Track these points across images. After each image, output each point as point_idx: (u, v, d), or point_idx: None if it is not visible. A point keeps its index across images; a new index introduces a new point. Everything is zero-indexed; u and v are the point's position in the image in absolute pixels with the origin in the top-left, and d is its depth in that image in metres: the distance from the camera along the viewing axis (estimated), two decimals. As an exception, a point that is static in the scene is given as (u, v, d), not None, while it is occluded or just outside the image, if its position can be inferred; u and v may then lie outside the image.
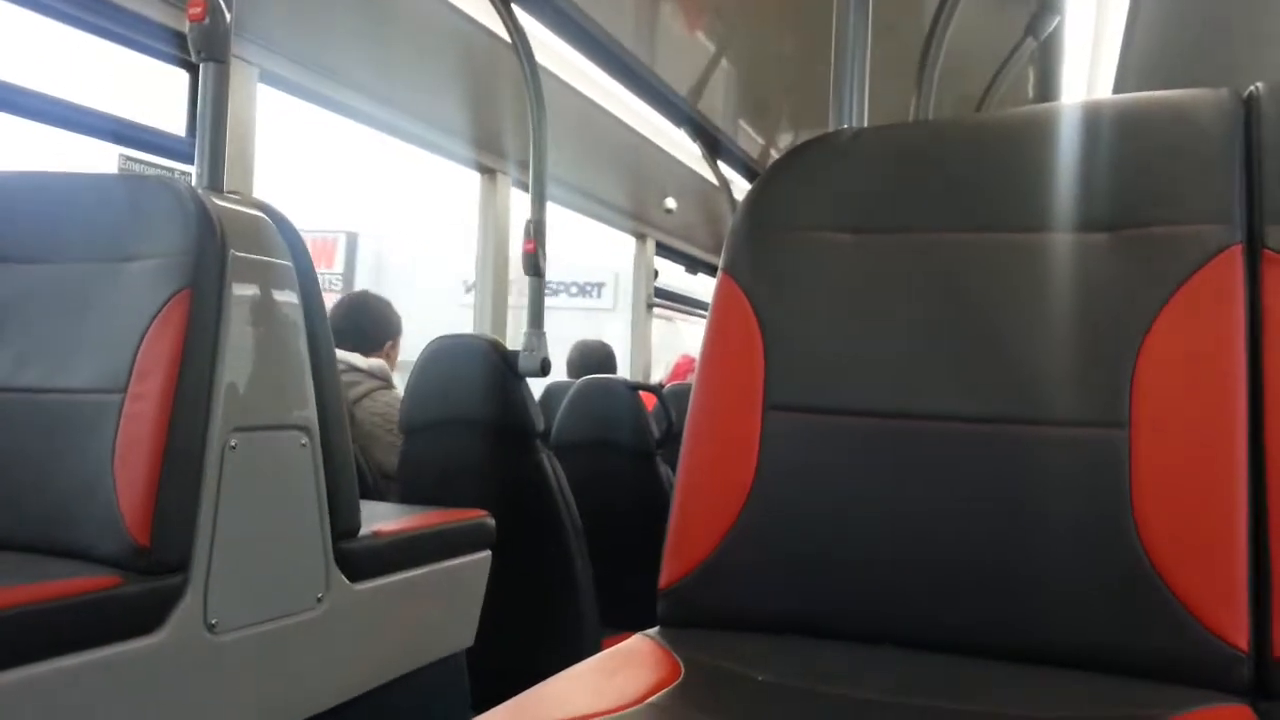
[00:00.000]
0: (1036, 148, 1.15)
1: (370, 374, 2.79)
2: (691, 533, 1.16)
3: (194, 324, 1.36)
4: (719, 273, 1.24)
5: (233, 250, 1.42)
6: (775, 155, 4.96)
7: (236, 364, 1.42)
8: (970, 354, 1.11)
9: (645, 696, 0.88)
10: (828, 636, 1.09)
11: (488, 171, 3.70)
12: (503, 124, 3.48)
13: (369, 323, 2.93)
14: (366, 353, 2.85)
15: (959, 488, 1.07)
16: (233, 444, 1.39)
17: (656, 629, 1.12)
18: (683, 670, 0.97)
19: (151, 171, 2.30)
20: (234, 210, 1.49)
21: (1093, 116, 1.15)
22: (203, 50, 1.62)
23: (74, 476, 1.34)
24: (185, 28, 1.60)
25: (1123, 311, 1.05)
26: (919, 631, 1.07)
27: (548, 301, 2.71)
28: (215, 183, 1.60)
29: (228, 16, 1.59)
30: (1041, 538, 1.04)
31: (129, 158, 2.26)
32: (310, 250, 1.63)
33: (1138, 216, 1.07)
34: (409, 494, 2.50)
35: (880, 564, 1.09)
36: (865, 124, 1.50)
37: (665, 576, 1.16)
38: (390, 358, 2.96)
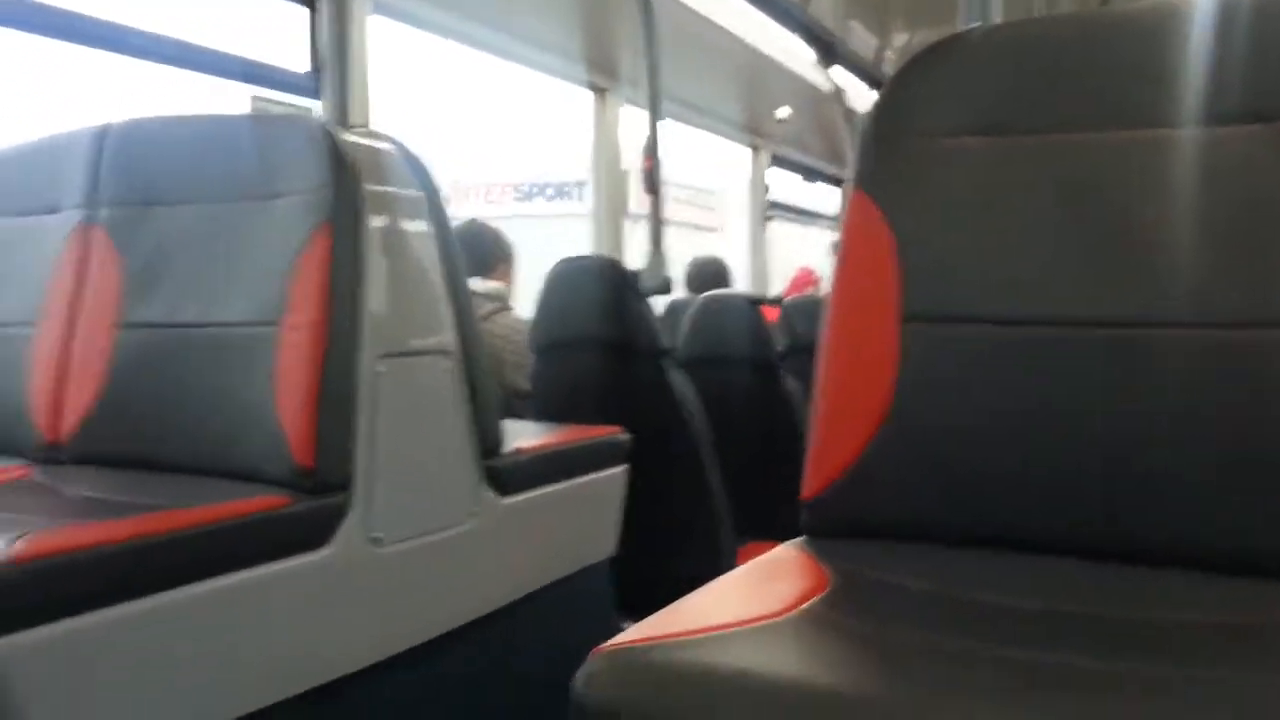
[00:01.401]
0: (1180, 39, 1.09)
1: (489, 297, 2.85)
2: (833, 443, 1.16)
3: (336, 257, 1.42)
4: (849, 185, 1.22)
5: (366, 184, 1.47)
6: (890, 57, 4.79)
7: (379, 293, 1.47)
8: (1115, 256, 1.07)
9: (797, 604, 0.90)
10: (974, 545, 1.09)
11: (599, 90, 3.68)
12: (614, 42, 3.45)
13: (482, 248, 2.98)
14: (484, 276, 2.90)
15: (1106, 393, 1.05)
16: (382, 369, 1.45)
17: (801, 539, 1.13)
18: (830, 579, 0.98)
19: (280, 110, 2.37)
20: (363, 145, 1.53)
21: (1248, 2, 1.08)
22: None
23: (239, 404, 1.42)
24: None
25: None
26: (1070, 538, 1.06)
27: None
28: (344, 118, 1.64)
29: None
30: (1195, 441, 1.01)
31: (259, 97, 2.33)
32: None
33: None
34: (543, 413, 2.56)
35: (1027, 471, 1.08)
36: (998, 19, 1.44)
37: (808, 486, 1.17)
38: (507, 281, 3.01)
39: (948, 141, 1.17)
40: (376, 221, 1.48)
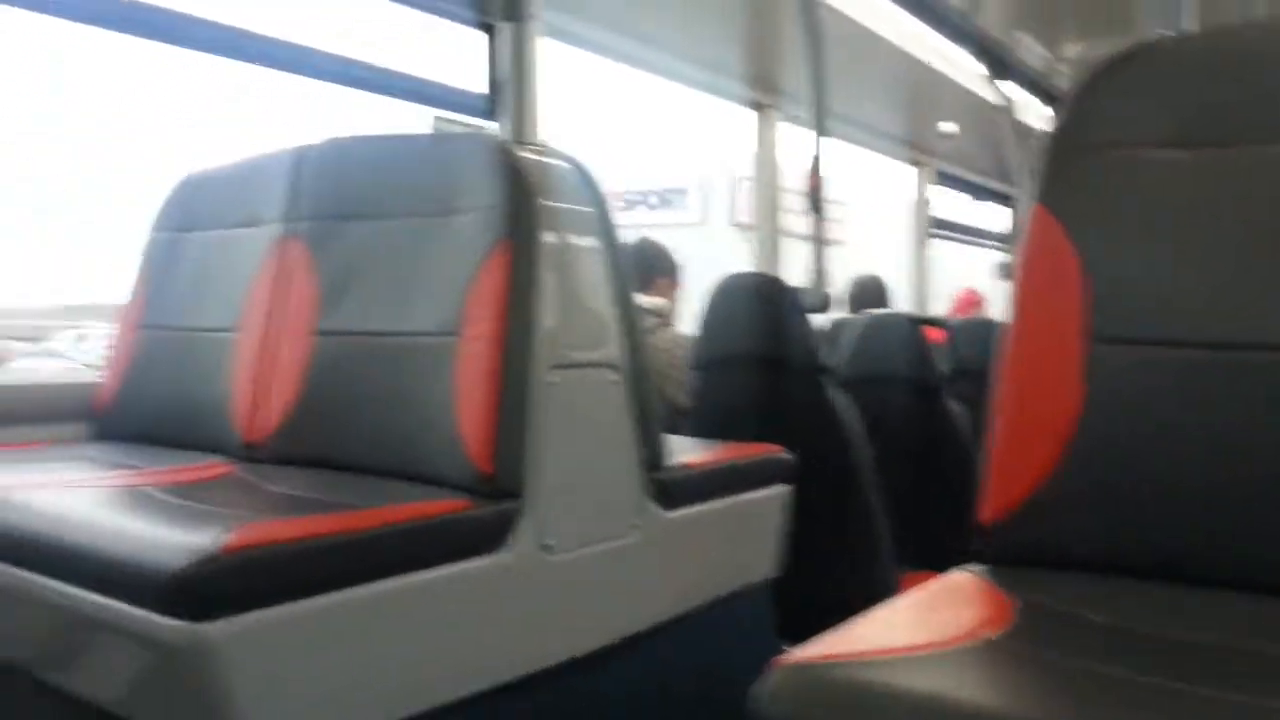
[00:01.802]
0: None
1: (652, 312, 2.88)
2: (1012, 467, 1.13)
3: (514, 270, 1.47)
4: (1032, 202, 1.18)
5: (542, 200, 1.51)
6: (1063, 70, 4.62)
7: (552, 307, 1.51)
8: None
9: (975, 633, 0.88)
10: (1161, 578, 1.04)
11: (760, 107, 3.68)
12: (776, 59, 3.45)
13: (647, 263, 3.02)
14: (646, 291, 2.94)
15: None
16: (555, 380, 1.49)
17: (975, 565, 1.10)
18: (1013, 608, 0.95)
19: (458, 129, 2.47)
20: (540, 162, 1.58)
21: None
22: (503, 10, 1.70)
23: (422, 410, 1.48)
24: None
25: None
26: (1267, 574, 1.00)
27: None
28: (522, 136, 1.69)
29: None
30: None
31: (441, 118, 2.44)
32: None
33: None
34: (701, 428, 2.57)
35: (1222, 502, 1.03)
36: (1193, 27, 1.37)
37: (985, 511, 1.14)
38: (670, 297, 3.04)
39: (1138, 154, 1.13)
40: (550, 236, 1.52)
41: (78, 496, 1.36)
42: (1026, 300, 1.17)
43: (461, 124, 2.44)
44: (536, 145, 1.70)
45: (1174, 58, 1.18)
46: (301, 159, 1.78)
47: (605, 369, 1.61)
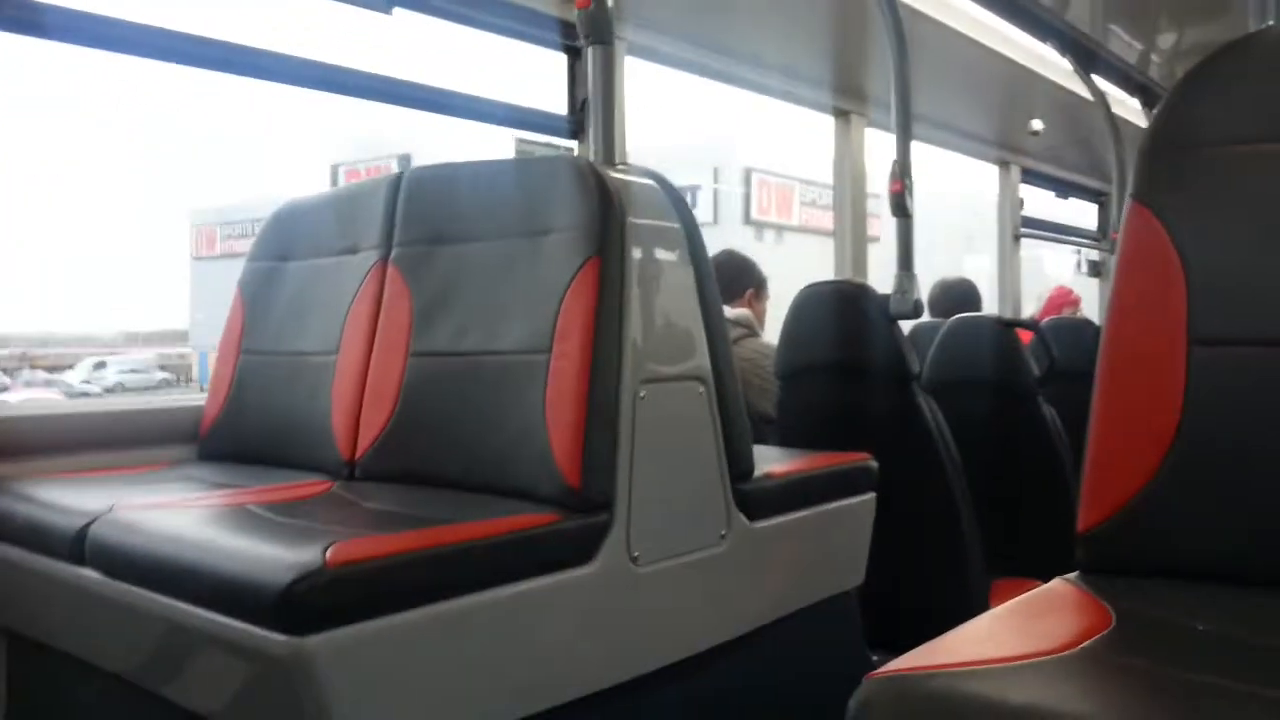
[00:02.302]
0: None
1: (736, 323, 2.90)
2: (1112, 474, 1.11)
3: (603, 288, 1.50)
4: (1128, 200, 1.17)
5: (630, 218, 1.55)
6: (1156, 61, 4.48)
7: (641, 322, 1.54)
8: None
9: (1077, 642, 0.87)
10: (1265, 585, 1.02)
11: (842, 114, 3.66)
12: (858, 65, 3.43)
13: (730, 274, 3.04)
14: (730, 303, 2.96)
15: None
16: (642, 394, 1.52)
17: (1075, 574, 1.09)
18: (1114, 617, 0.94)
19: (541, 150, 2.53)
20: (627, 181, 1.61)
21: None
22: (590, 34, 1.75)
23: (513, 427, 1.53)
24: (570, 15, 1.74)
25: None
26: None
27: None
28: (609, 157, 1.74)
29: (610, 1, 1.71)
30: None
31: (522, 139, 2.50)
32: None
33: None
34: (788, 437, 2.58)
35: None
36: None
37: (1084, 519, 1.12)
38: (755, 308, 3.05)
39: (1242, 150, 1.11)
40: (638, 253, 1.56)
41: (186, 515, 1.44)
42: (1124, 300, 1.15)
43: (543, 145, 2.50)
44: (623, 165, 1.73)
45: (1271, 52, 1.15)
46: (395, 187, 1.86)
47: (692, 381, 1.64)
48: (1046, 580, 1.10)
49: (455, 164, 1.85)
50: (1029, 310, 5.09)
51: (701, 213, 10.56)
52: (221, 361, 2.06)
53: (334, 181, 18.83)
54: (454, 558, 1.26)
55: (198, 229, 24.89)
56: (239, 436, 1.96)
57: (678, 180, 1.67)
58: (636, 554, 1.49)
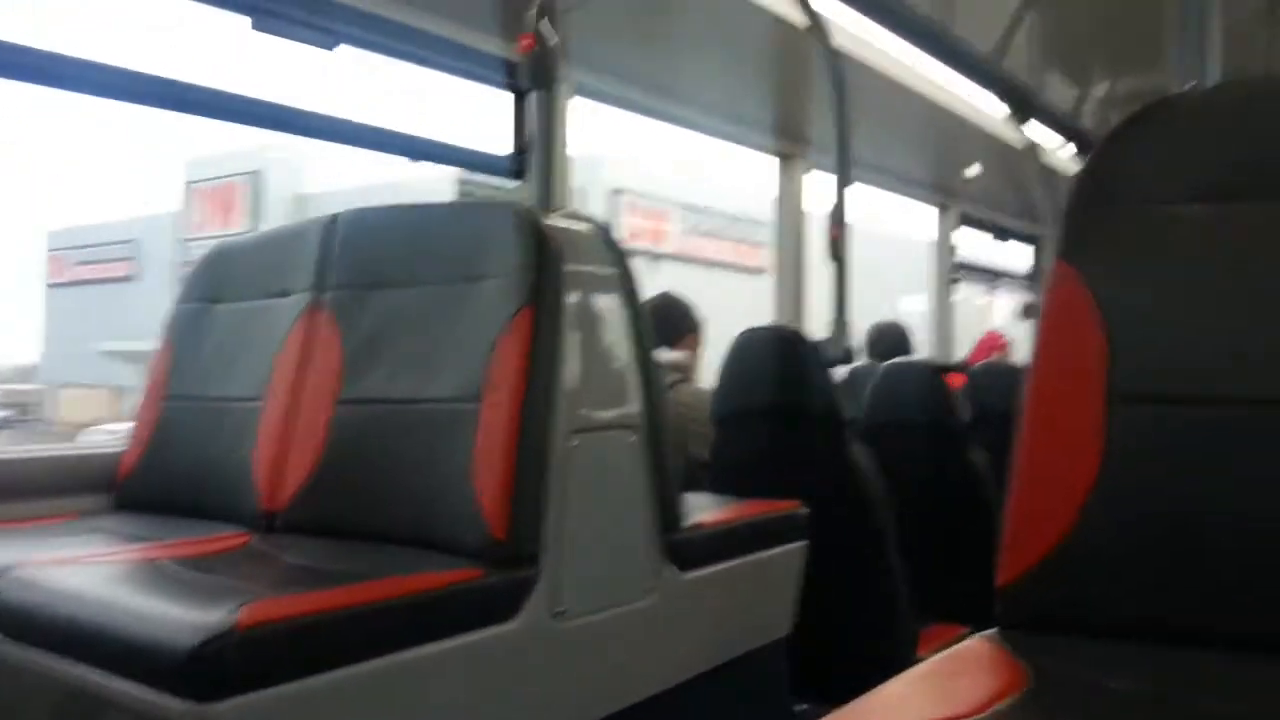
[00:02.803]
0: None
1: (672, 368, 2.90)
2: (1031, 527, 1.12)
3: (537, 335, 1.49)
4: (1054, 257, 1.18)
5: (567, 265, 1.54)
6: (1089, 110, 4.61)
7: (574, 370, 1.54)
8: None
9: (990, 704, 0.87)
10: (1186, 644, 1.03)
11: (784, 157, 3.71)
12: (800, 110, 3.48)
13: (670, 319, 3.04)
14: (671, 346, 2.96)
15: None
16: (574, 444, 1.51)
17: (994, 630, 1.09)
18: (1029, 677, 0.94)
19: (482, 192, 2.52)
20: (565, 226, 1.61)
21: None
22: (533, 79, 1.75)
23: (440, 478, 1.51)
24: (515, 57, 1.74)
25: None
26: None
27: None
28: (548, 201, 1.73)
29: (553, 44, 1.71)
30: None
31: (463, 180, 2.49)
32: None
33: None
34: (721, 483, 2.58)
35: (1247, 564, 1.02)
36: (1216, 76, 1.37)
37: (1003, 572, 1.12)
38: (692, 352, 3.05)
39: (1164, 209, 1.12)
40: (574, 300, 1.55)
41: (90, 572, 1.38)
42: (1046, 354, 1.16)
43: (485, 185, 2.50)
44: (561, 209, 1.73)
45: (1197, 112, 1.18)
46: (329, 229, 1.83)
47: (625, 430, 1.63)
48: (977, 625, 1.11)
49: (391, 207, 1.83)
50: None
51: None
52: (144, 407, 2.00)
53: (187, 199, 17.87)
54: (372, 617, 1.23)
55: (53, 253, 22.13)
56: (157, 485, 1.91)
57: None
58: (562, 609, 1.48)
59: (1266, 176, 1.09)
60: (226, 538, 1.62)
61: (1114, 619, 1.07)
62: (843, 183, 2.80)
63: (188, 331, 2.02)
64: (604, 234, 1.68)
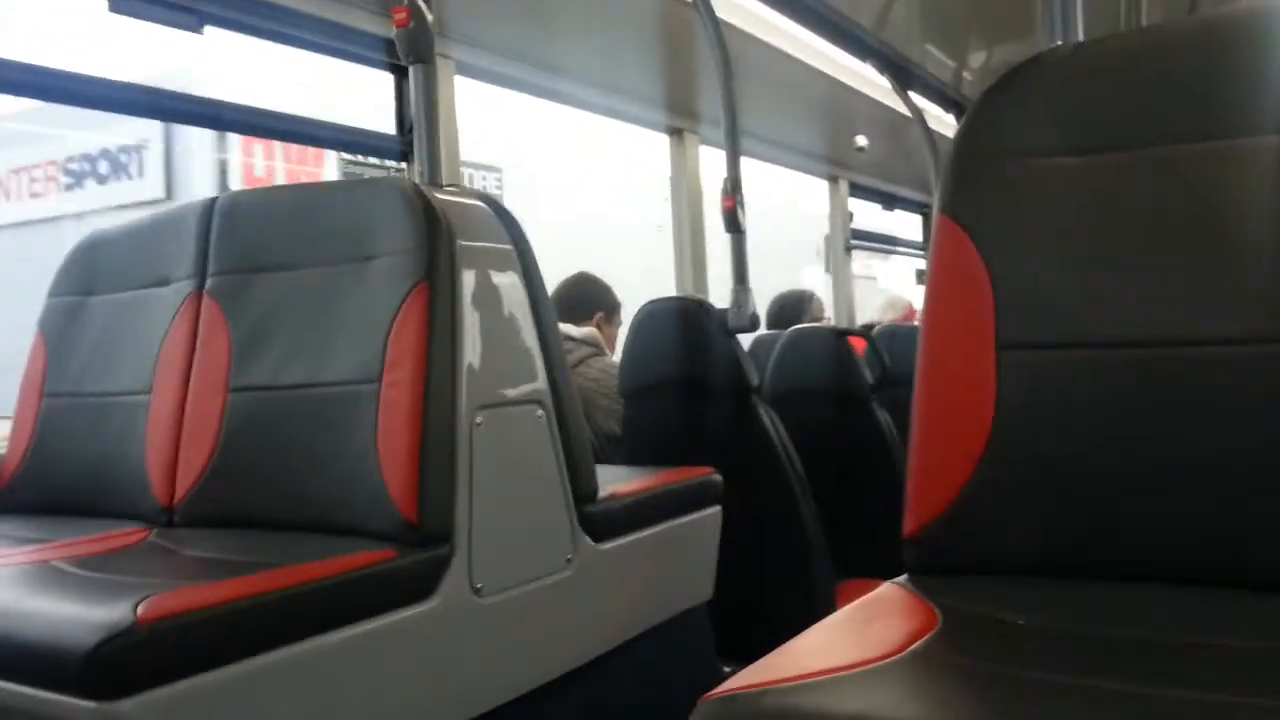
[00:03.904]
0: (1275, 41, 1.06)
1: (583, 342, 2.90)
2: (933, 478, 1.14)
3: (434, 313, 1.46)
4: (936, 213, 1.21)
5: (459, 240, 1.51)
6: (968, 78, 4.73)
7: (475, 347, 1.51)
8: (1219, 271, 1.04)
9: (906, 645, 0.89)
10: (1083, 576, 1.06)
11: (675, 132, 3.72)
12: (688, 84, 3.48)
13: (580, 296, 3.05)
14: (578, 323, 2.96)
15: (1216, 412, 1.02)
16: (479, 421, 1.49)
17: (905, 576, 1.12)
18: (939, 617, 0.96)
19: (371, 173, 2.46)
20: (456, 202, 1.58)
21: None
22: (410, 53, 1.71)
23: (343, 462, 1.47)
24: (393, 33, 1.70)
25: None
26: (1182, 568, 1.02)
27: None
28: (435, 177, 1.70)
29: (430, 19, 1.68)
30: None
31: (348, 160, 2.43)
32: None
33: None
34: (634, 456, 2.58)
35: (1135, 499, 1.05)
36: (1080, 36, 1.42)
37: (909, 523, 1.15)
38: (605, 333, 3.05)
39: (1038, 162, 1.15)
40: (470, 276, 1.52)
41: None
42: (936, 309, 1.19)
43: (372, 167, 2.43)
44: (451, 186, 1.70)
45: (1065, 68, 1.21)
46: (209, 213, 1.76)
47: (531, 405, 1.61)
48: (890, 578, 1.13)
49: (272, 188, 1.77)
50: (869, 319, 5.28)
51: (148, 187, 7.43)
52: (22, 407, 1.90)
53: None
54: (281, 604, 1.19)
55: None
56: (44, 487, 1.82)
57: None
58: (479, 585, 1.45)
59: (1128, 127, 1.13)
60: (123, 535, 1.55)
61: (1014, 558, 1.10)
62: (733, 155, 2.81)
63: (63, 326, 1.92)
64: (498, 209, 1.64)
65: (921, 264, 5.80)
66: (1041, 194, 1.15)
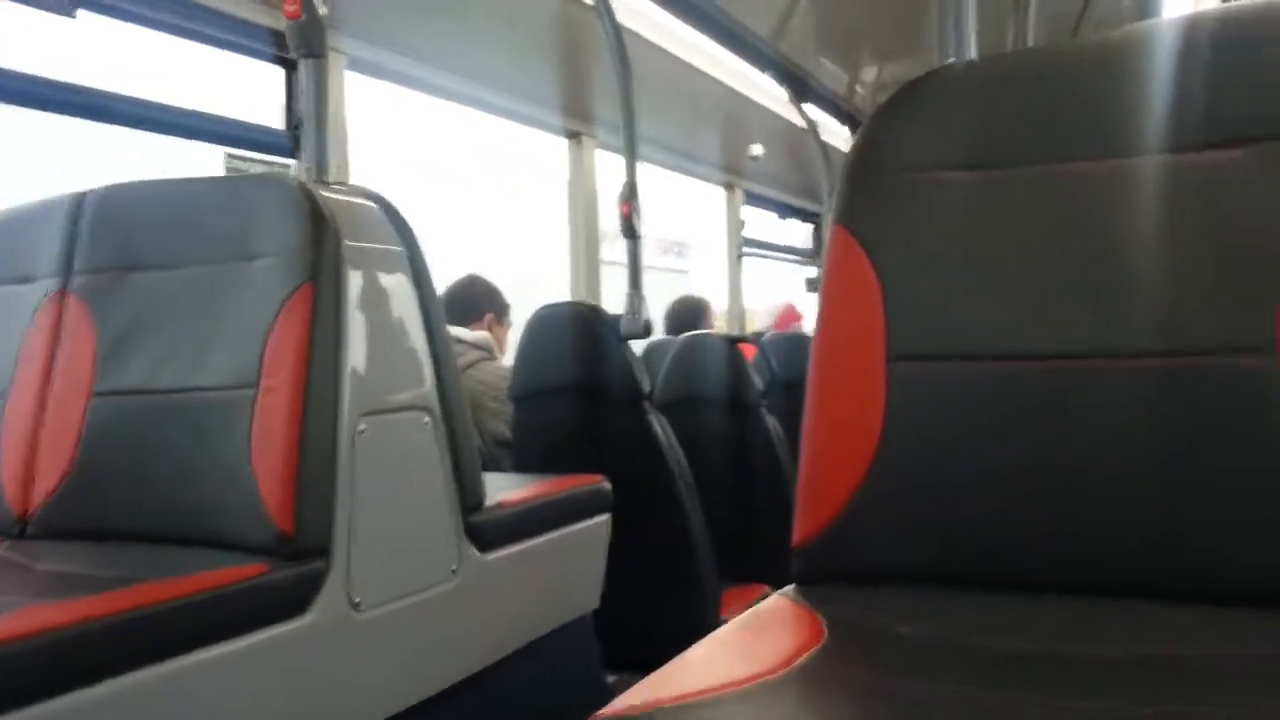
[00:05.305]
0: (1157, 66, 1.10)
1: (474, 345, 2.87)
2: (822, 488, 1.14)
3: (317, 316, 1.41)
4: (831, 224, 1.22)
5: (346, 241, 1.47)
6: (860, 92, 4.84)
7: (359, 351, 1.47)
8: (1103, 287, 1.06)
9: (794, 658, 0.88)
10: (968, 587, 1.07)
11: (574, 136, 3.70)
12: (586, 87, 3.47)
13: (468, 297, 3.02)
14: (469, 325, 2.93)
15: (1099, 425, 1.04)
16: (362, 429, 1.45)
17: (792, 587, 1.11)
18: (825, 629, 0.97)
19: (257, 169, 2.37)
20: (344, 201, 1.53)
21: (1216, 27, 1.08)
22: (301, 46, 1.65)
23: (216, 470, 1.41)
24: (282, 25, 1.64)
25: (1266, 228, 1.00)
26: (1065, 577, 1.04)
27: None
28: (324, 175, 1.65)
29: (322, 11, 1.63)
30: (1188, 472, 1.00)
31: (233, 155, 2.33)
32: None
33: (1276, 129, 1.02)
34: (523, 462, 2.55)
35: (1019, 509, 1.07)
36: (973, 54, 1.45)
37: (798, 533, 1.15)
38: (496, 334, 3.03)
39: (930, 177, 1.17)
40: (356, 278, 1.48)
41: None
42: (829, 320, 1.19)
43: (259, 163, 2.35)
44: (339, 184, 1.64)
45: (958, 85, 1.23)
46: (78, 208, 1.66)
47: (417, 411, 1.58)
48: (776, 585, 1.13)
49: (148, 182, 1.68)
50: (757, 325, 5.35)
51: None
52: None
53: None
54: (144, 622, 1.13)
55: None
56: None
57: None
58: (358, 600, 1.41)
59: (1018, 144, 1.15)
60: None
61: (903, 569, 1.11)
62: (631, 159, 2.81)
63: None
64: (387, 209, 1.60)
65: (810, 272, 5.89)
66: (934, 208, 1.16)
